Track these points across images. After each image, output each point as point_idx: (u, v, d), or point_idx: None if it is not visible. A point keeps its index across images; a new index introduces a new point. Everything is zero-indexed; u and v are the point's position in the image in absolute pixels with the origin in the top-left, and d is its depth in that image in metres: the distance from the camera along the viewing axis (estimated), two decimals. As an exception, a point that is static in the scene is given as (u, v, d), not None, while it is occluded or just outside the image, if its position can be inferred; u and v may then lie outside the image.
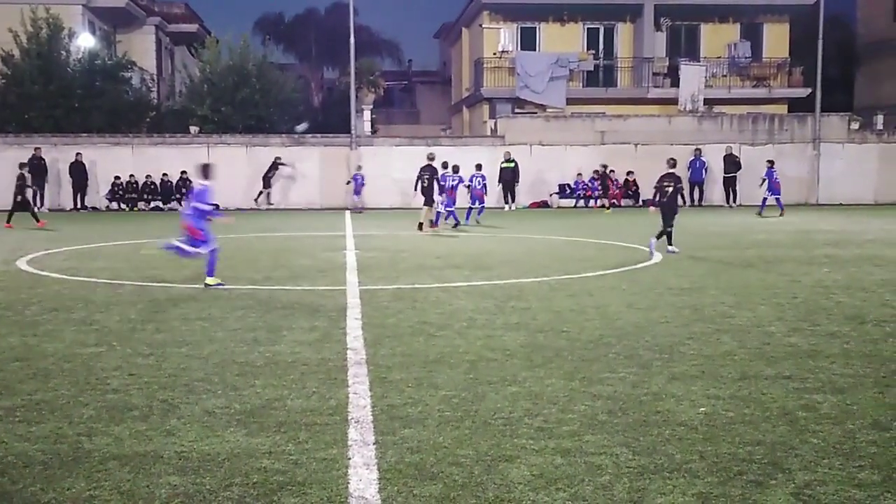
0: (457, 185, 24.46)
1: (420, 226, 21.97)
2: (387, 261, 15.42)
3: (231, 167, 33.34)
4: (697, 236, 20.47)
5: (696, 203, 33.18)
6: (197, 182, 12.52)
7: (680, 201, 16.91)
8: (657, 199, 16.75)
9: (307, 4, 58.73)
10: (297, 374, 7.08)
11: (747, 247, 17.63)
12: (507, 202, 32.92)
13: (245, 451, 5.20)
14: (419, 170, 22.37)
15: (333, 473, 4.85)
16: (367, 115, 38.07)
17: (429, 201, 21.93)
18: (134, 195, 33.04)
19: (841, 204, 34.50)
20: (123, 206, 32.93)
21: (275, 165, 33.24)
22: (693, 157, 33.83)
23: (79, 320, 9.49)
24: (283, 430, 5.59)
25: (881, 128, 38.48)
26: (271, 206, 33.32)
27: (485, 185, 26.82)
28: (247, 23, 62.98)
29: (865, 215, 27.89)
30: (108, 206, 33.05)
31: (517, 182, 32.87)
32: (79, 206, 32.42)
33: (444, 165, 24.02)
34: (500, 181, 32.80)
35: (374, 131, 39.31)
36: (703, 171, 33.91)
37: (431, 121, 52.66)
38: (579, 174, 34.28)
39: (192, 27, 47.46)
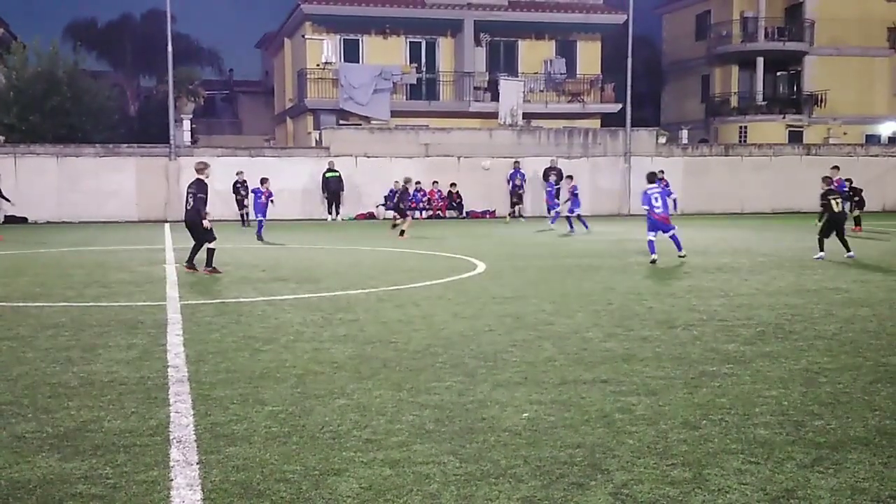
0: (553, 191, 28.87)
1: (402, 233, 23.92)
2: (209, 274, 15.03)
3: (41, 178, 31.67)
4: (518, 246, 21.10)
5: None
6: (651, 186, 17.10)
7: (840, 208, 17.56)
8: (824, 212, 17.35)
9: (121, 10, 56.46)
10: (114, 394, 6.79)
11: (565, 256, 18.27)
12: (331, 213, 32.96)
13: (59, 477, 4.94)
14: (397, 192, 25.72)
15: (155, 496, 4.68)
16: (186, 124, 36.98)
17: (402, 214, 24.77)
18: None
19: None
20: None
21: (241, 184, 29.63)
22: (513, 170, 34.80)
23: None
24: (99, 454, 5.34)
25: (686, 142, 40.97)
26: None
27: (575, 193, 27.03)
28: (56, 28, 60.08)
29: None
30: None
31: (342, 191, 33.01)
32: None
33: (560, 175, 29.49)
34: (323, 191, 32.98)
35: (194, 141, 38.22)
36: (522, 182, 34.86)
37: (255, 131, 51.77)
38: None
39: (-4, 32, 44.68)
